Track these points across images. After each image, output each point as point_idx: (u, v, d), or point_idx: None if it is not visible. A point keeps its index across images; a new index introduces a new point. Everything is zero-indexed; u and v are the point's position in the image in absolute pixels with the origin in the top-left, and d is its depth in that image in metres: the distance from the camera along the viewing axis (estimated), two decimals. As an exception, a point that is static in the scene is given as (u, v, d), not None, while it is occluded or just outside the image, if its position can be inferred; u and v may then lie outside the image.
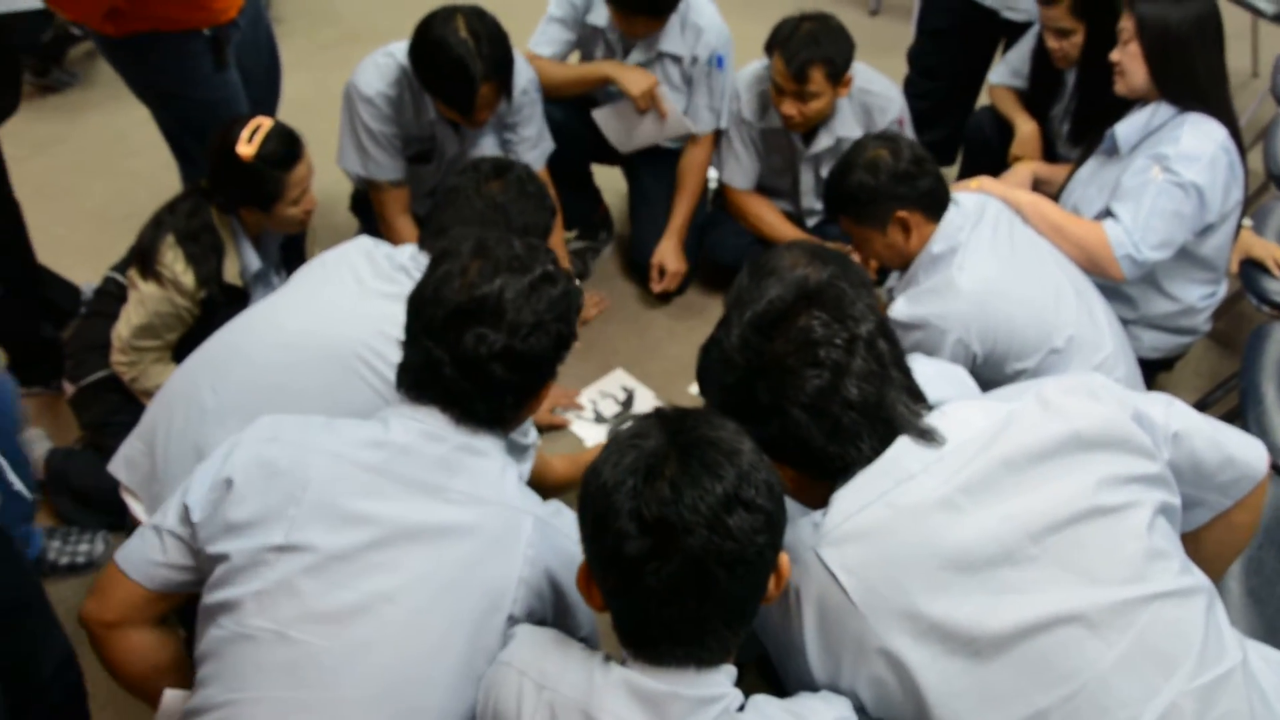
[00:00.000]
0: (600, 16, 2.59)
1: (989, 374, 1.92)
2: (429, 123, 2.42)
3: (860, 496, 1.13)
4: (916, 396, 1.20)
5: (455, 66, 2.14)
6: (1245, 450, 1.29)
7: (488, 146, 2.50)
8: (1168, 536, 1.16)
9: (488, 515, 1.25)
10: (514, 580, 1.23)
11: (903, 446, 1.15)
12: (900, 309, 1.90)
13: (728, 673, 1.06)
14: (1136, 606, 1.07)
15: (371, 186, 2.47)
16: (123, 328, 2.05)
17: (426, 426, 1.28)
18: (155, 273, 2.01)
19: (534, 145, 2.55)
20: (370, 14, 4.37)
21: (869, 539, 1.11)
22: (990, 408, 1.19)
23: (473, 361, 1.26)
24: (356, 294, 1.67)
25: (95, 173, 3.42)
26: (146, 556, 1.27)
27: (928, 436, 1.15)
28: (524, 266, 1.30)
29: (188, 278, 2.01)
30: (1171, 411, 1.26)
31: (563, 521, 1.33)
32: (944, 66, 3.04)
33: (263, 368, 1.62)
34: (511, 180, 1.80)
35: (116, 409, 2.14)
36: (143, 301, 2.02)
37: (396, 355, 1.53)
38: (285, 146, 2.03)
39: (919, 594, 1.08)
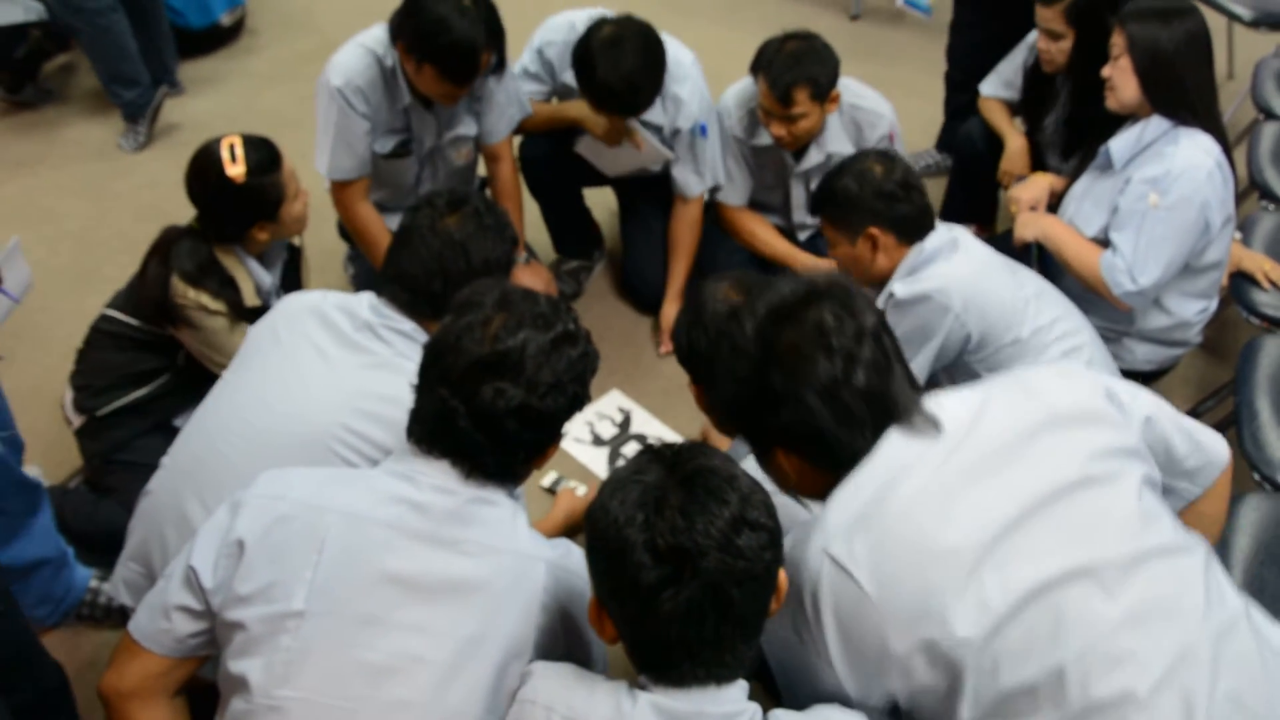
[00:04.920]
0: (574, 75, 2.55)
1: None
2: (402, 110, 2.41)
3: (859, 492, 1.16)
4: (915, 387, 1.24)
5: (461, 38, 2.17)
6: (1209, 437, 1.36)
7: (464, 125, 2.52)
8: (1157, 501, 1.20)
9: (503, 565, 1.25)
10: (533, 627, 1.25)
11: (894, 439, 1.18)
12: (901, 289, 1.95)
13: (741, 688, 1.12)
14: (1138, 561, 1.10)
15: (335, 184, 2.47)
16: (221, 360, 2.02)
17: (437, 480, 1.27)
18: (185, 319, 2.00)
19: (504, 111, 2.56)
20: (349, 23, 4.28)
21: (874, 529, 1.13)
22: (968, 395, 1.24)
23: (488, 415, 1.26)
24: (324, 372, 1.61)
25: (76, 192, 3.37)
26: (158, 627, 1.26)
27: (926, 425, 1.18)
28: (547, 324, 1.30)
29: (217, 304, 2.00)
30: (1139, 395, 1.31)
31: (573, 561, 1.34)
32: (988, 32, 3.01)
33: (244, 469, 1.48)
34: (468, 214, 1.72)
35: (121, 446, 2.11)
36: (204, 340, 2.03)
37: (376, 430, 1.54)
38: (264, 150, 2.01)
39: (930, 575, 1.10)
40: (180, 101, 3.82)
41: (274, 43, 4.29)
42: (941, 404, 1.22)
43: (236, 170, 1.94)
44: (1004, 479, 1.14)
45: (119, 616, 2.04)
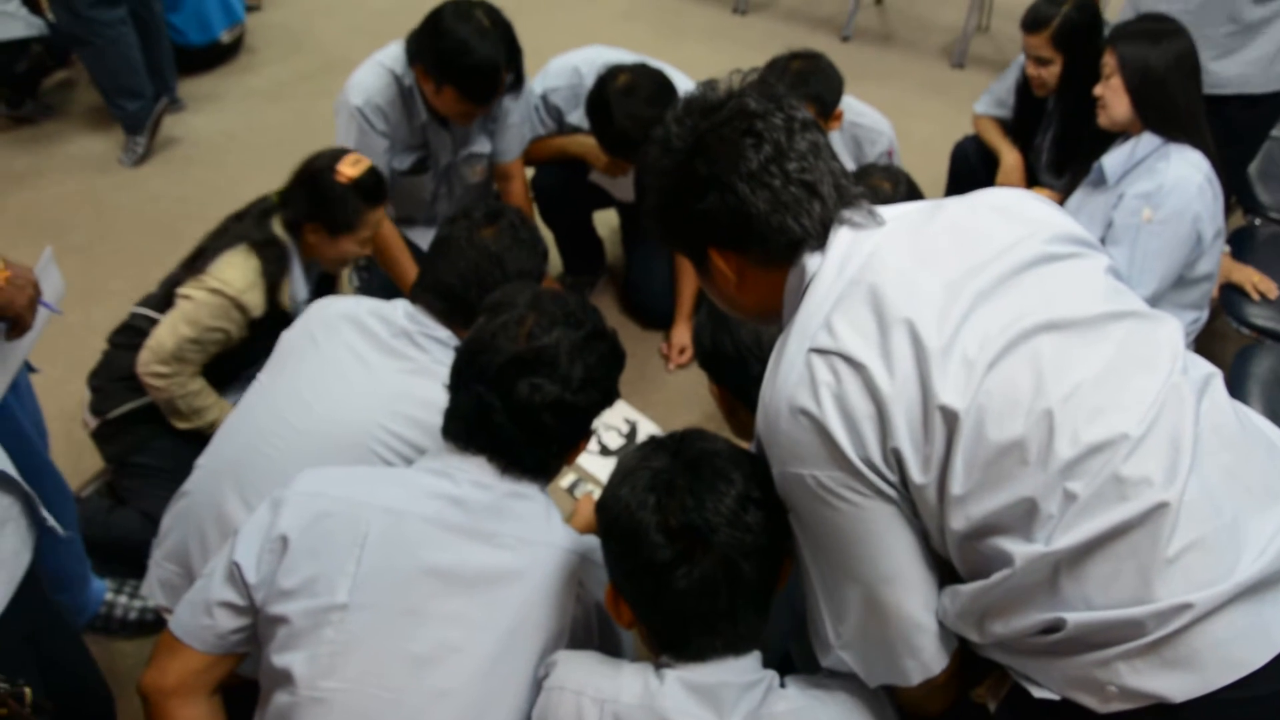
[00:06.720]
0: (581, 117, 2.60)
1: None
2: (419, 127, 2.46)
3: (829, 288, 1.10)
4: (853, 183, 1.18)
5: (484, 60, 2.22)
6: None
7: (479, 144, 2.57)
8: (1125, 286, 1.15)
9: (538, 557, 1.29)
10: (569, 619, 1.28)
11: (844, 237, 1.13)
12: None
13: (756, 657, 1.17)
14: (1112, 319, 1.07)
15: None
16: (167, 338, 1.98)
17: (474, 475, 1.31)
18: (215, 287, 1.98)
19: (518, 131, 2.62)
20: (347, 43, 4.37)
21: (850, 305, 1.07)
22: (918, 202, 1.19)
23: (525, 409, 1.30)
24: (364, 377, 1.64)
25: (77, 206, 3.38)
26: (200, 623, 1.27)
27: (868, 219, 1.14)
28: (578, 322, 1.34)
29: (251, 295, 1.99)
30: None
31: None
32: None
33: (286, 467, 1.50)
34: (504, 227, 1.76)
35: (139, 447, 2.10)
36: (197, 313, 1.98)
37: (414, 433, 1.57)
38: (378, 184, 2.08)
39: (913, 339, 1.03)
40: (180, 117, 3.85)
41: (273, 61, 4.33)
42: (887, 207, 1.17)
43: (348, 170, 2.00)
44: (970, 258, 1.08)
45: (134, 629, 2.05)
